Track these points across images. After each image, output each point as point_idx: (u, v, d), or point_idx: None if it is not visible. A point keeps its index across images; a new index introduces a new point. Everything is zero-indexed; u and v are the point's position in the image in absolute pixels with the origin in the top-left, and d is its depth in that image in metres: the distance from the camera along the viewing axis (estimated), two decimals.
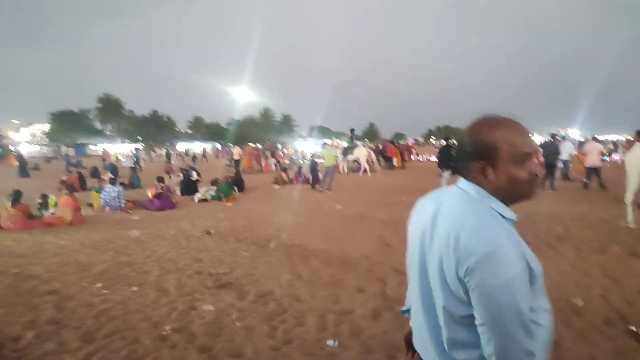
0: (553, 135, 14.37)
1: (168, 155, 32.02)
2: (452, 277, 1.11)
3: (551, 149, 12.38)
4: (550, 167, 11.98)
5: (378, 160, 23.49)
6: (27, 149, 50.74)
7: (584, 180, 12.44)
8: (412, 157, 30.83)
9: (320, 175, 15.55)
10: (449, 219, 1.16)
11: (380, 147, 26.19)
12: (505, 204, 1.17)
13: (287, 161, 23.23)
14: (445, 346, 1.19)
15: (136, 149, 31.74)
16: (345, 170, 19.92)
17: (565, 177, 14.39)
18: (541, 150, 12.23)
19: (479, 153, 1.16)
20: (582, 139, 33.26)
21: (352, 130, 26.89)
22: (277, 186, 15.13)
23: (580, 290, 4.22)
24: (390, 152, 23.47)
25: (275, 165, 22.91)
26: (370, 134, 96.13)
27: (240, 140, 52.08)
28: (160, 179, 10.82)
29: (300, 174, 16.38)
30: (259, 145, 46.15)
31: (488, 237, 1.06)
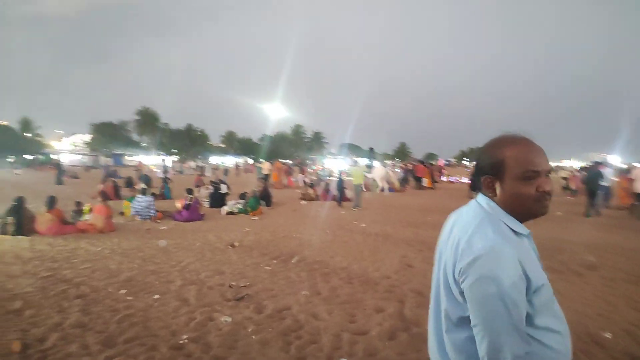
0: (595, 161, 14.10)
1: (202, 168, 32.83)
2: (451, 278, 1.19)
3: (593, 174, 12.17)
4: (592, 192, 11.79)
5: (407, 179, 23.35)
6: (68, 158, 53.00)
7: (635, 203, 12.05)
8: (443, 178, 30.41)
9: (347, 193, 15.58)
10: (459, 228, 1.25)
11: (410, 166, 26.03)
12: (518, 219, 1.21)
13: (314, 178, 23.31)
14: (447, 351, 1.23)
15: (163, 160, 32.68)
16: (386, 191, 19.77)
17: (606, 203, 13.91)
18: (582, 175, 12.08)
19: (488, 168, 1.24)
20: (623, 165, 32.04)
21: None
22: (304, 202, 15.22)
23: (605, 322, 4.05)
24: (420, 172, 23.25)
25: (304, 181, 23.08)
26: (401, 153, 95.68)
27: (271, 156, 52.82)
28: (189, 191, 11.08)
29: (327, 191, 16.43)
30: (290, 161, 46.70)
31: (483, 242, 1.13)
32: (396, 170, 27.08)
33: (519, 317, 1.07)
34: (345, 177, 16.49)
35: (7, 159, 46.22)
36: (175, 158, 62.63)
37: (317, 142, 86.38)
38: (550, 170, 1.23)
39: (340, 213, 12.41)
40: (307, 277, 5.46)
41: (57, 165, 24.24)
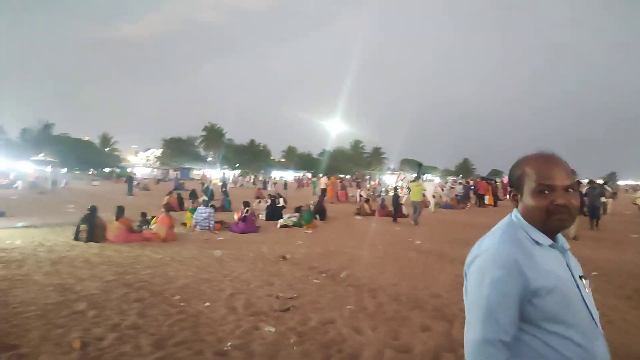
0: None
1: (264, 182, 34.03)
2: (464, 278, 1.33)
3: None
4: None
5: (468, 196, 22.61)
6: (141, 171, 56.61)
7: None
8: (507, 196, 29.03)
9: (404, 209, 15.35)
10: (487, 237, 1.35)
11: (472, 183, 25.17)
12: (541, 230, 1.26)
13: (371, 193, 23.19)
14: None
15: (223, 174, 34.19)
16: (432, 208, 19.29)
17: None
18: None
19: (512, 182, 1.34)
20: None
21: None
22: (358, 217, 15.18)
23: None
24: (482, 189, 22.41)
25: (360, 196, 23.02)
26: (464, 169, 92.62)
27: (330, 171, 53.22)
28: (246, 204, 11.45)
29: (383, 207, 16.28)
30: (348, 176, 46.80)
31: (488, 242, 1.27)
32: (452, 187, 26.34)
33: (499, 307, 1.17)
34: (402, 193, 16.30)
35: (88, 172, 50.35)
36: (238, 172, 64.97)
37: (376, 158, 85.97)
38: (570, 185, 1.25)
39: (395, 229, 12.23)
40: (354, 292, 5.44)
41: (127, 178, 26.00)
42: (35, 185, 24.73)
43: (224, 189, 21.24)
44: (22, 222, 10.92)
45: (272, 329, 4.06)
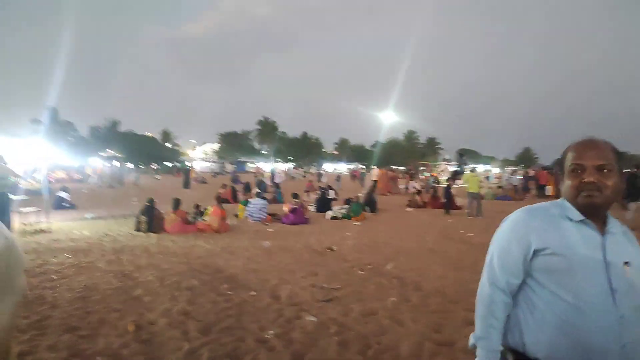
0: None
1: (319, 175, 34.70)
2: None
3: None
4: None
5: (527, 187, 21.61)
6: (199, 165, 58.98)
7: None
8: None
9: (457, 200, 14.92)
10: None
11: (532, 173, 24.01)
12: (577, 209, 1.39)
13: (423, 184, 22.70)
14: None
15: (273, 167, 35.03)
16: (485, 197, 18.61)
17: None
18: None
19: (559, 166, 1.50)
20: None
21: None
22: (409, 209, 14.95)
23: None
24: (543, 179, 21.28)
25: (413, 187, 22.63)
26: (525, 158, 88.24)
27: (383, 162, 52.68)
28: (295, 196, 11.63)
29: (436, 198, 15.92)
30: (401, 168, 46.13)
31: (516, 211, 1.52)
32: (516, 177, 25.19)
33: (497, 259, 1.47)
34: (455, 184, 15.86)
35: (151, 166, 53.26)
36: (291, 165, 66.06)
37: (430, 148, 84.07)
38: (603, 165, 1.36)
39: (447, 221, 11.94)
40: (398, 284, 5.39)
41: (184, 172, 27.19)
42: (104, 179, 26.42)
43: (274, 181, 21.66)
44: (91, 214, 11.79)
45: (314, 319, 4.13)
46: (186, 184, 24.14)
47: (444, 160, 73.64)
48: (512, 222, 1.48)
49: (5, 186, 7.98)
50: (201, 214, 10.19)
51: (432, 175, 27.24)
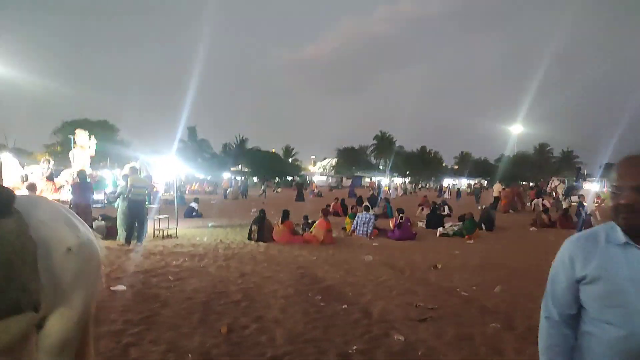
0: None
1: (440, 189, 34.09)
2: None
3: None
4: None
5: None
6: (318, 179, 61.14)
7: None
8: None
9: (593, 221, 13.15)
10: None
11: None
12: (623, 230, 1.30)
13: (552, 201, 20.43)
14: None
15: (379, 181, 35.05)
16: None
17: None
18: None
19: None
20: None
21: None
22: (533, 229, 13.54)
23: None
24: None
25: (542, 205, 20.51)
26: None
27: (509, 178, 48.82)
28: (400, 210, 11.32)
29: (567, 218, 14.21)
30: (532, 184, 42.24)
31: None
32: None
33: (550, 292, 1.45)
34: (591, 202, 14.01)
35: (273, 180, 56.82)
36: (407, 179, 64.94)
37: (566, 162, 75.67)
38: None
39: None
40: (505, 309, 4.87)
41: (298, 186, 28.64)
42: (230, 192, 28.84)
43: (384, 196, 21.45)
44: (212, 223, 12.89)
45: (402, 338, 3.91)
46: (300, 197, 25.15)
47: (583, 177, 65.58)
48: (559, 252, 1.45)
49: (141, 195, 9.13)
50: (310, 225, 10.46)
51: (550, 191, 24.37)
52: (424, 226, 12.87)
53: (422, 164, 72.48)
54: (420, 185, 61.81)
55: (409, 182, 61.29)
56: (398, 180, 63.85)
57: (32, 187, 8.13)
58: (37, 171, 10.28)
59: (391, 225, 11.19)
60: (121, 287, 5.39)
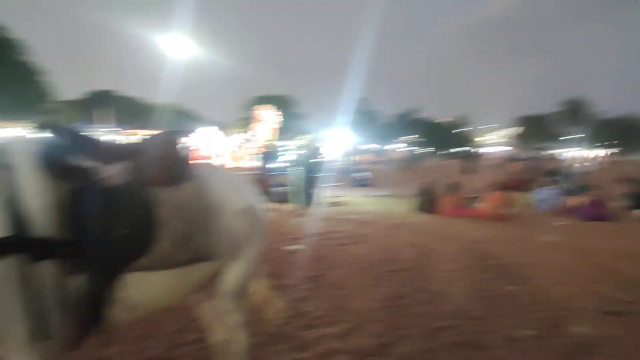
0: None
1: None
2: None
3: None
4: None
5: None
6: (497, 150, 56.71)
7: None
8: None
9: None
10: None
11: None
12: None
13: None
14: None
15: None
16: None
17: None
18: None
19: None
20: None
21: None
22: None
23: None
24: None
25: None
26: None
27: None
28: (593, 187, 9.78)
29: None
30: None
31: None
32: None
33: None
34: None
35: (445, 151, 54.94)
36: (610, 151, 55.47)
37: None
38: None
39: None
40: None
41: (464, 157, 27.11)
42: (399, 162, 28.97)
43: (568, 170, 18.72)
44: (381, 192, 13.17)
45: (585, 330, 3.44)
46: (468, 169, 23.82)
47: None
48: None
49: (316, 164, 9.85)
50: (480, 199, 9.85)
51: None
52: (626, 206, 10.86)
53: (632, 133, 60.54)
54: (628, 159, 52.04)
55: (611, 154, 52.17)
56: (597, 152, 54.88)
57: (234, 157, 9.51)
58: (233, 142, 11.97)
59: (580, 203, 9.75)
60: (293, 247, 5.92)
